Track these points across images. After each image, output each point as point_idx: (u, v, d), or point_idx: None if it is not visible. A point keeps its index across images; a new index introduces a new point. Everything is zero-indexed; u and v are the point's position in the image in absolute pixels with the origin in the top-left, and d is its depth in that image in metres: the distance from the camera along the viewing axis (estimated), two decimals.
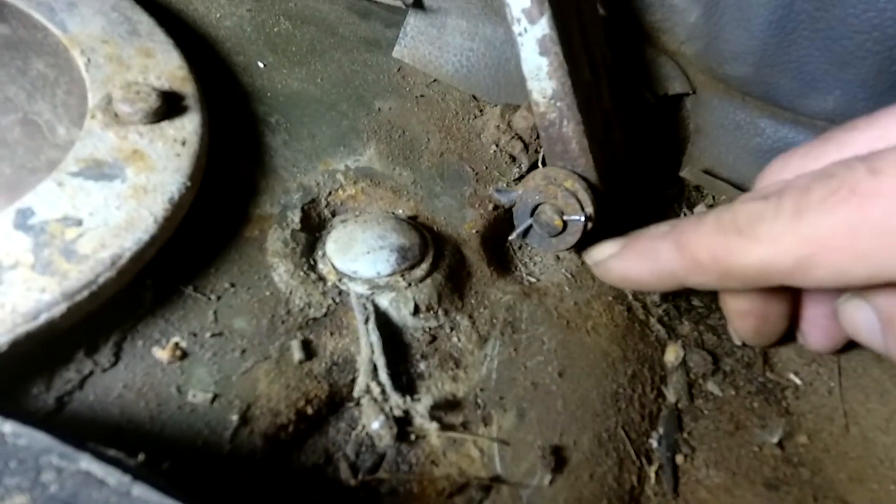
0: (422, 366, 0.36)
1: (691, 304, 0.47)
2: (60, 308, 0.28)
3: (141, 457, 0.23)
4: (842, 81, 0.45)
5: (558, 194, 0.42)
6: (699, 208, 0.53)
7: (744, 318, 0.40)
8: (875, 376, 0.42)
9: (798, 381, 0.42)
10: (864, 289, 0.34)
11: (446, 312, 0.38)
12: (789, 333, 0.43)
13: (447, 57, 0.51)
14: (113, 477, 0.20)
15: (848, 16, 0.42)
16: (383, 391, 0.32)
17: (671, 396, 0.40)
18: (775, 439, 0.39)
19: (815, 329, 0.40)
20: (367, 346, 0.34)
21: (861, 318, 0.35)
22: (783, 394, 0.42)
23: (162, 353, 0.31)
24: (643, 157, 0.52)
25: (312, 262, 0.38)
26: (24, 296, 0.27)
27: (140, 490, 0.20)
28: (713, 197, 0.54)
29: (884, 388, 0.41)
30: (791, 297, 0.39)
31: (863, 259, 0.26)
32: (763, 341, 0.42)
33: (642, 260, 0.35)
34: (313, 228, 0.40)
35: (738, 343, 0.44)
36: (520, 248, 0.46)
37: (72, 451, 0.20)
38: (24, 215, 0.30)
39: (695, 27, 0.49)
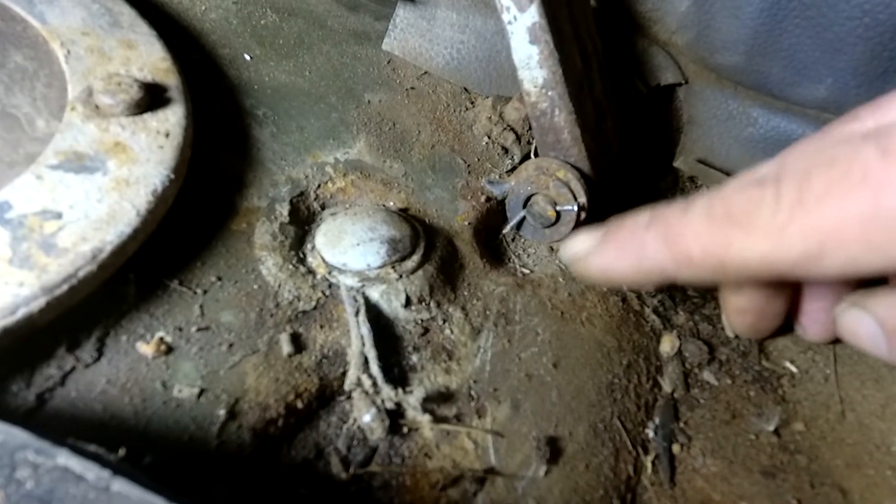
0: (414, 358, 0.35)
1: (686, 294, 0.46)
2: (39, 302, 0.27)
3: (122, 451, 0.22)
4: (833, 69, 0.45)
5: (550, 185, 0.41)
6: None
7: (741, 315, 0.39)
8: (870, 363, 0.42)
9: (794, 369, 0.42)
10: (863, 297, 0.33)
11: (438, 304, 0.38)
12: (786, 324, 0.42)
13: (437, 49, 0.50)
14: (92, 472, 0.19)
15: (839, 2, 0.42)
16: (374, 384, 0.32)
17: (667, 386, 0.40)
18: (772, 427, 0.39)
19: (815, 323, 0.39)
20: (358, 339, 0.33)
21: (863, 329, 0.33)
22: (779, 382, 0.42)
23: (146, 348, 0.30)
24: (636, 148, 0.52)
25: (301, 255, 0.37)
26: (2, 290, 0.27)
27: (120, 485, 0.19)
28: (707, 187, 0.54)
29: (879, 375, 0.41)
30: (791, 293, 0.38)
31: (877, 251, 0.24)
32: (757, 335, 0.42)
33: (625, 255, 0.31)
34: (302, 221, 0.39)
35: (731, 335, 0.43)
36: (513, 239, 0.46)
37: (49, 446, 0.20)
38: (0, 209, 0.29)
39: (685, 16, 0.48)
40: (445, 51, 0.50)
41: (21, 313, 0.26)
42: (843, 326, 0.34)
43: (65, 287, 0.28)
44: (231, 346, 0.32)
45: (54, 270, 0.28)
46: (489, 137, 0.49)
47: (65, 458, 0.19)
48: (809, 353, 0.43)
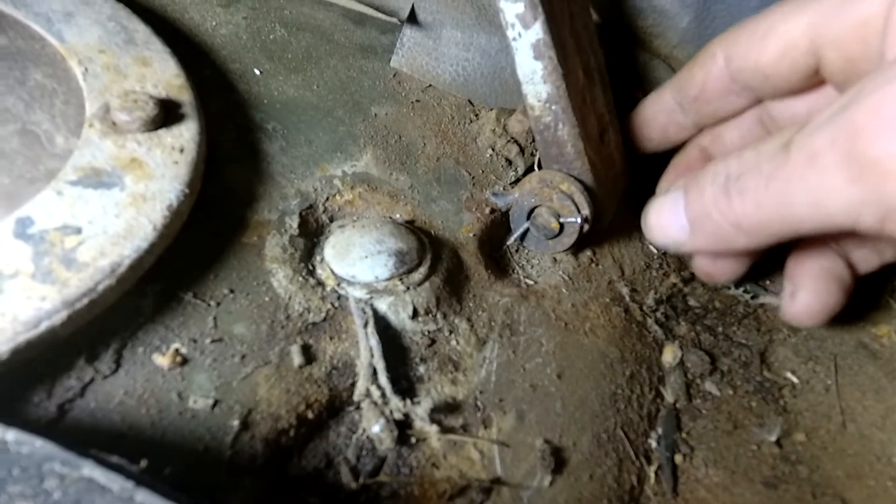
0: (421, 369, 0.36)
1: (688, 305, 0.47)
2: (61, 316, 0.28)
3: (143, 463, 0.23)
4: None
5: (554, 197, 0.42)
6: None
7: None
8: (870, 373, 0.42)
9: (795, 380, 0.43)
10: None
11: (445, 316, 0.39)
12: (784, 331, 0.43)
13: (444, 67, 0.51)
14: (115, 483, 0.20)
15: None
16: (383, 395, 0.32)
17: (669, 396, 0.41)
18: (773, 438, 0.39)
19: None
20: (367, 350, 0.34)
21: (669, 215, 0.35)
22: (780, 392, 0.42)
23: (162, 360, 0.31)
24: (638, 159, 0.52)
25: (311, 268, 0.38)
26: (25, 304, 0.28)
27: (143, 496, 0.20)
28: None
29: (879, 385, 0.41)
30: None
31: None
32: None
33: (720, 242, 0.33)
34: (311, 234, 0.40)
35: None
36: (517, 250, 0.46)
37: (74, 457, 0.20)
38: (23, 224, 0.30)
39: (686, 31, 0.49)
40: (451, 68, 0.51)
41: (44, 327, 0.27)
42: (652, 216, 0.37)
43: (85, 301, 0.29)
44: (244, 357, 0.32)
45: (75, 285, 0.29)
46: (493, 150, 0.49)
47: (90, 470, 0.20)
48: (810, 364, 0.43)
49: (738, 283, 0.47)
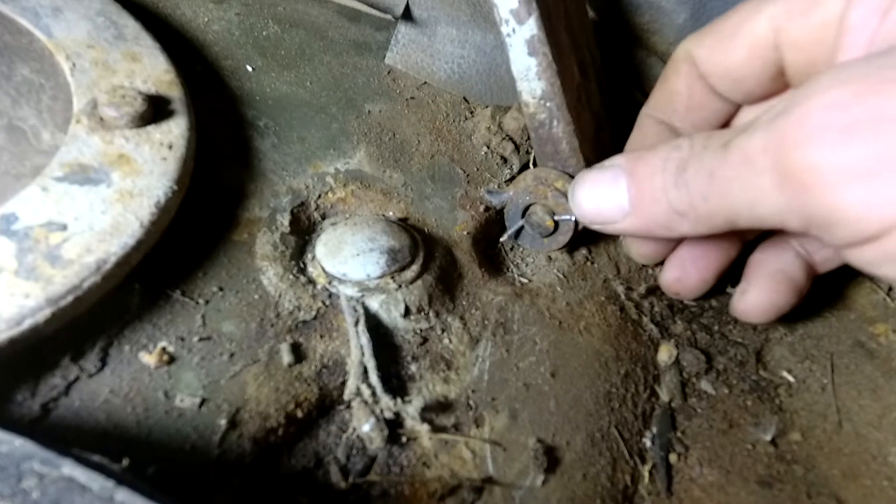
0: (413, 367, 0.36)
1: (684, 304, 0.47)
2: (45, 314, 0.27)
3: (125, 462, 0.22)
4: None
5: (549, 195, 0.42)
6: None
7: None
8: (867, 373, 0.42)
9: (791, 379, 0.42)
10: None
11: (437, 314, 0.38)
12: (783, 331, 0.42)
13: (439, 64, 0.51)
14: (96, 482, 0.19)
15: None
16: (374, 393, 0.32)
17: (664, 395, 0.40)
18: (769, 437, 0.39)
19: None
20: (358, 349, 0.33)
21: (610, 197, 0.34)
22: (776, 391, 0.42)
23: (149, 358, 0.30)
24: None
25: (302, 266, 0.38)
26: (8, 301, 0.27)
27: (123, 495, 0.19)
28: None
29: (876, 385, 0.41)
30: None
31: None
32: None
33: (657, 229, 0.33)
34: (303, 231, 0.40)
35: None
36: (511, 248, 0.46)
37: (54, 456, 0.20)
38: (7, 221, 0.30)
39: (683, 29, 0.49)
40: (446, 65, 0.51)
41: (27, 324, 0.27)
42: (588, 191, 0.35)
43: (70, 298, 0.28)
44: (232, 355, 0.32)
45: (59, 282, 0.28)
46: (488, 147, 0.49)
47: (70, 469, 0.20)
48: (806, 363, 0.43)
49: (736, 281, 0.46)
